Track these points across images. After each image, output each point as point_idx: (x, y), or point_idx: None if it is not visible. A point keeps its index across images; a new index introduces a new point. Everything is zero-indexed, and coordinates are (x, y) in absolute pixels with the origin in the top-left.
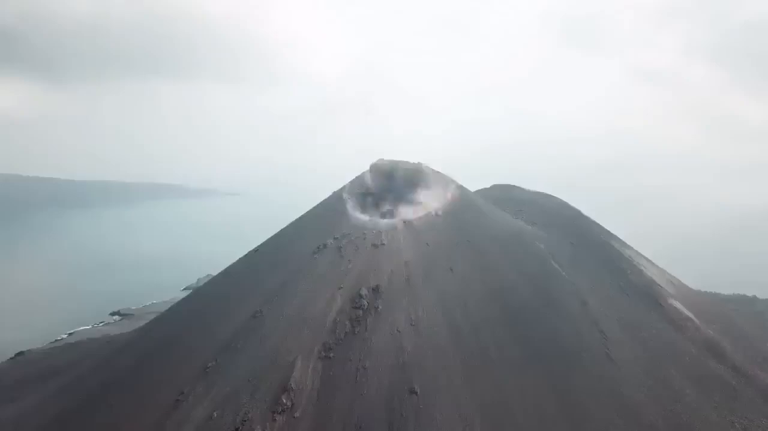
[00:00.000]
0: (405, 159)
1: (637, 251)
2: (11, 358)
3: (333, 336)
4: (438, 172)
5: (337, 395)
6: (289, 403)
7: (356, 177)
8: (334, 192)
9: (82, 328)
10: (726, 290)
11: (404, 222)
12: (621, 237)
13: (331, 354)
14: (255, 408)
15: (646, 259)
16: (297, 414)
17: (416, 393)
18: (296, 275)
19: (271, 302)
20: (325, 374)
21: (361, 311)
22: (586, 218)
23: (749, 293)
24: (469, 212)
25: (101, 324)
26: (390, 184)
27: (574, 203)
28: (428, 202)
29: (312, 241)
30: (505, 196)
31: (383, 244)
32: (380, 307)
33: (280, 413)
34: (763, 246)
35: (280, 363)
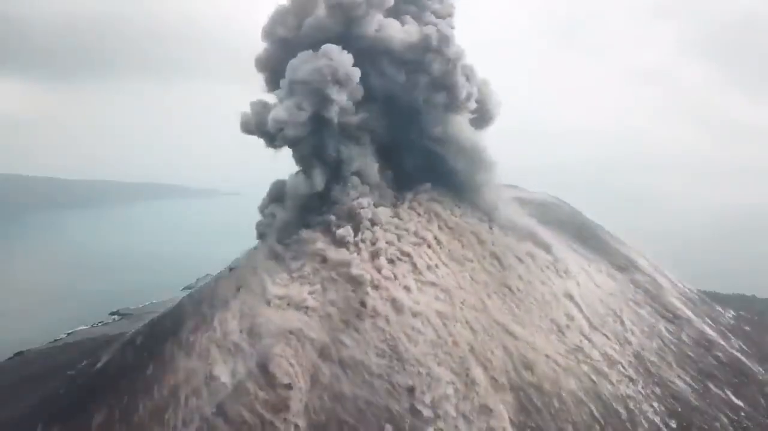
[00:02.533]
0: None
1: (635, 250)
2: (10, 358)
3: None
4: None
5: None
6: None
7: None
8: None
9: (81, 328)
10: (725, 290)
11: None
12: (619, 237)
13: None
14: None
15: (645, 257)
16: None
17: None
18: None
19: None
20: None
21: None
22: (583, 216)
23: (748, 293)
24: None
25: (100, 324)
26: None
27: (571, 202)
28: None
29: None
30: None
31: None
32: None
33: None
34: (763, 246)
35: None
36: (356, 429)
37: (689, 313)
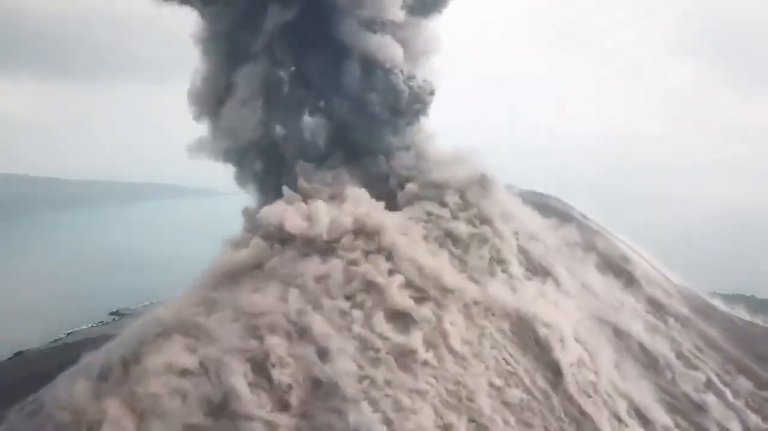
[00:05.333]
0: None
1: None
2: (10, 358)
3: None
4: None
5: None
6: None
7: None
8: None
9: (81, 328)
10: (724, 291)
11: None
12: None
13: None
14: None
15: (637, 253)
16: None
17: None
18: None
19: None
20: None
21: None
22: (574, 210)
23: (748, 294)
24: None
25: (100, 324)
26: None
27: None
28: None
29: None
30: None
31: None
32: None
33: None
34: (761, 246)
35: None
36: None
37: (686, 312)
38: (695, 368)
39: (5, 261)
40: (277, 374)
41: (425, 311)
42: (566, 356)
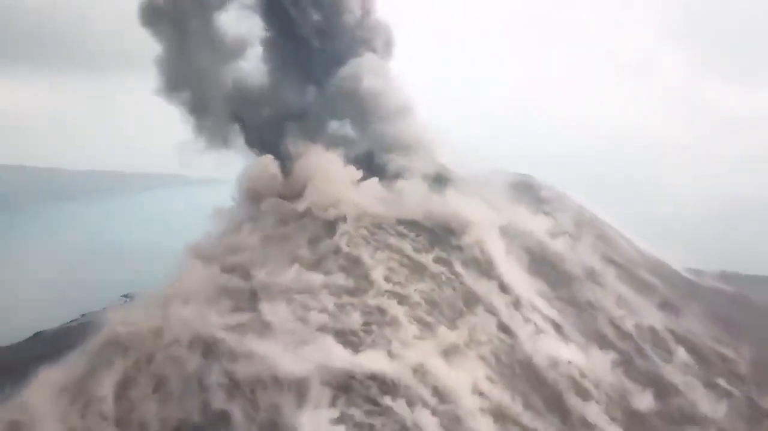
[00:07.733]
0: None
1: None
2: (30, 337)
3: None
4: None
5: None
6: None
7: None
8: None
9: (94, 310)
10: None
11: None
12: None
13: None
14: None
15: (624, 237)
16: None
17: None
18: None
19: None
20: None
21: None
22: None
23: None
24: None
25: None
26: None
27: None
28: None
29: None
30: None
31: None
32: None
33: None
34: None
35: None
36: None
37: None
38: (600, 284)
39: (20, 250)
40: (245, 283)
41: (340, 220)
42: (467, 239)
